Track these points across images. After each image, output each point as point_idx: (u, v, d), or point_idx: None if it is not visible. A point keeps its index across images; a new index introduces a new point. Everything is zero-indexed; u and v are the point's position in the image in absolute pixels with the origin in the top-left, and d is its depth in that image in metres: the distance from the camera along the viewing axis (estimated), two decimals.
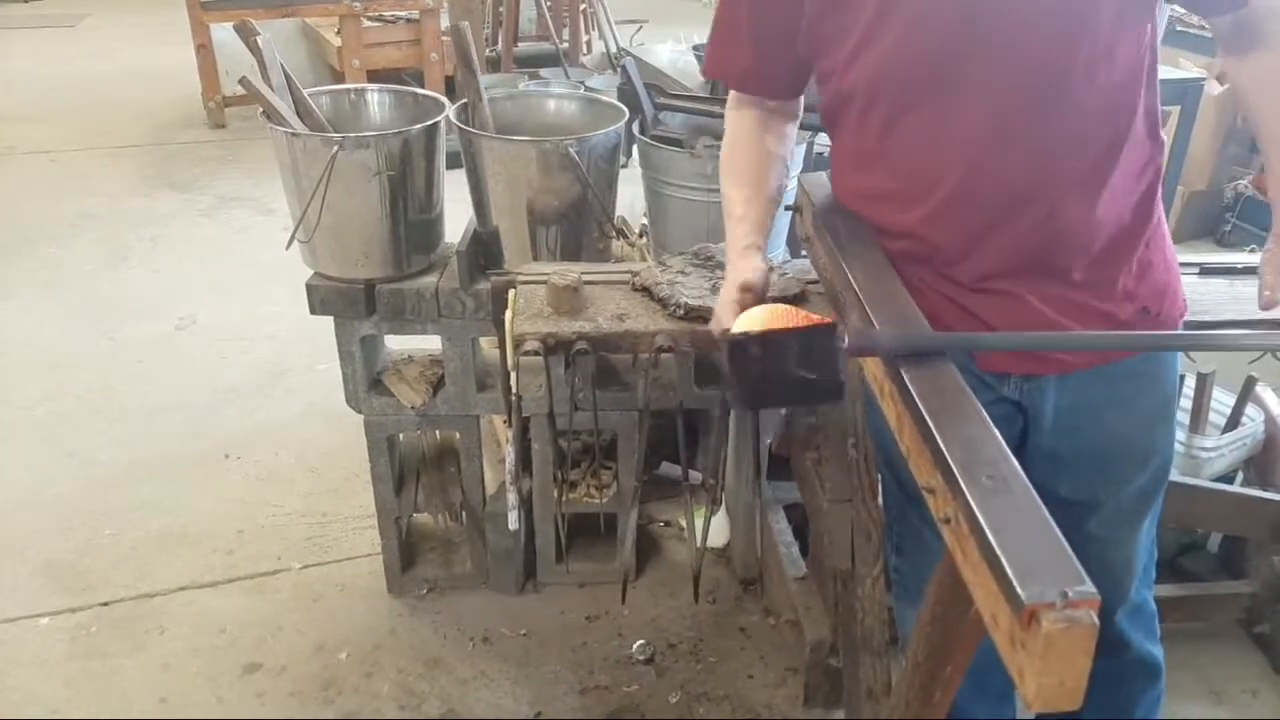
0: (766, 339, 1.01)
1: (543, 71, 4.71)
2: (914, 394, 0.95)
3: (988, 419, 0.91)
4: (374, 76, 4.81)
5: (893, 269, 1.22)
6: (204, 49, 5.15)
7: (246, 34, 1.83)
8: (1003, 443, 0.88)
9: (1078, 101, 1.12)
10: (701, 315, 1.57)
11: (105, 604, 2.20)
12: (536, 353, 1.52)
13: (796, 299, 1.54)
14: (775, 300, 1.27)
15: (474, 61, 1.86)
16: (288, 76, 1.88)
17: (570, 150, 1.79)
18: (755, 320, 1.06)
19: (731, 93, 1.38)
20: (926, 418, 0.93)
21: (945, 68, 1.13)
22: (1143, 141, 1.19)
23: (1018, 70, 1.11)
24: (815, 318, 1.03)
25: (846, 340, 1.01)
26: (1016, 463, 0.86)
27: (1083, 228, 1.17)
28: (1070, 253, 1.19)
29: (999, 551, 0.76)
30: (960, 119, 1.14)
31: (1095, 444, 1.31)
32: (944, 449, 0.87)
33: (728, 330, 1.10)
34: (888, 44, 1.15)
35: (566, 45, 5.41)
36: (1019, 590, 0.72)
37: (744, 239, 1.29)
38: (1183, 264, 1.54)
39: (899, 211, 1.24)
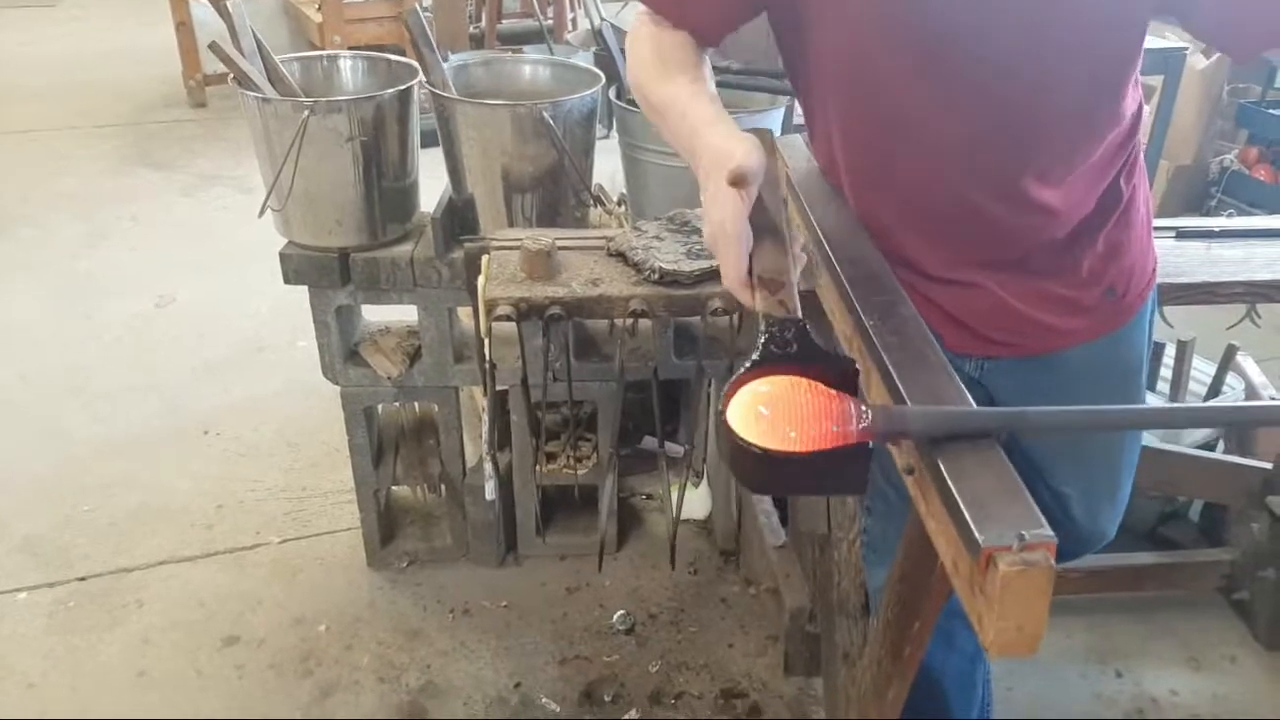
0: (783, 461, 0.78)
1: (527, 48, 4.67)
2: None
3: (951, 370, 0.91)
4: None
5: (867, 235, 1.20)
6: (184, 26, 5.09)
7: None
8: (966, 392, 0.87)
9: (1059, 120, 1.07)
10: (677, 280, 1.56)
11: (83, 579, 2.19)
12: (509, 318, 1.50)
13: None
14: (766, 281, 0.97)
15: (431, 42, 1.85)
16: (259, 43, 1.85)
17: (545, 115, 1.77)
18: (762, 395, 0.81)
19: (646, 15, 1.16)
20: (891, 369, 0.92)
21: (912, 81, 1.05)
22: (1121, 135, 1.15)
23: (993, 90, 1.04)
24: (832, 393, 0.80)
25: (871, 420, 0.79)
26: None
27: (1050, 223, 1.14)
28: (1033, 245, 1.16)
29: (958, 497, 0.75)
30: (927, 125, 1.08)
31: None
32: (906, 398, 0.86)
33: (729, 410, 0.81)
34: (853, 50, 1.06)
35: (550, 22, 5.35)
36: (976, 534, 0.71)
37: (708, 109, 1.02)
38: (1160, 227, 1.53)
39: (856, 199, 1.20)
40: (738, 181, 0.92)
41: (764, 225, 0.98)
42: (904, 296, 1.05)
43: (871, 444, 0.78)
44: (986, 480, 0.78)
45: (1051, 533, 0.72)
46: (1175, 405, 1.28)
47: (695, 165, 1.01)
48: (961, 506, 0.75)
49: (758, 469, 0.78)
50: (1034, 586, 0.70)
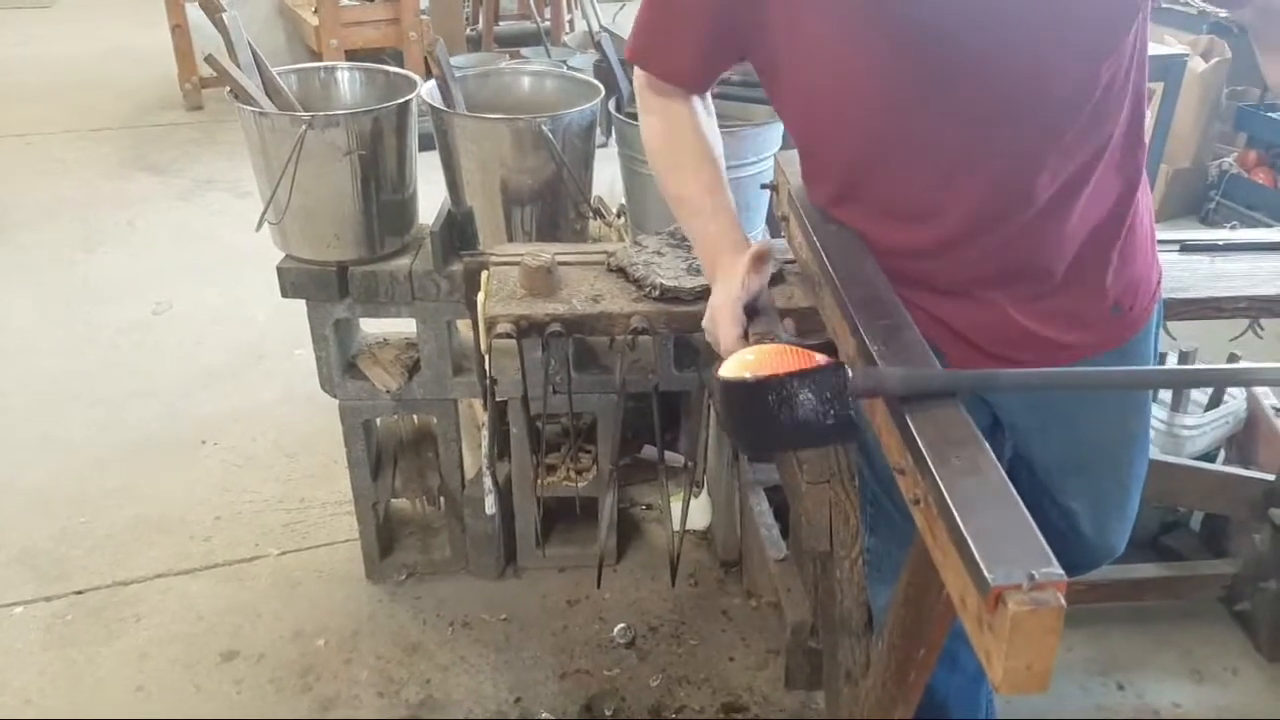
0: (766, 384, 0.89)
1: (524, 51, 4.66)
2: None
3: (959, 403, 0.90)
4: (352, 56, 4.73)
5: (870, 254, 1.19)
6: (179, 29, 5.07)
7: (211, 10, 1.79)
8: (973, 425, 0.86)
9: (1057, 120, 1.06)
10: (677, 296, 1.55)
11: (80, 592, 2.17)
12: (509, 335, 1.50)
13: (774, 279, 1.52)
14: (760, 335, 1.11)
15: (454, 74, 1.88)
16: (256, 55, 1.84)
17: (544, 128, 1.76)
18: (748, 363, 0.93)
19: (643, 80, 1.24)
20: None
21: (915, 92, 1.04)
22: (1129, 141, 1.14)
23: (991, 91, 1.03)
24: (815, 355, 0.91)
25: (851, 378, 0.89)
26: (987, 445, 0.84)
27: (1061, 236, 1.13)
28: (1048, 259, 1.15)
29: (966, 533, 0.74)
30: (929, 140, 1.07)
31: (1068, 442, 1.29)
32: (914, 431, 0.86)
33: (721, 369, 0.96)
34: (857, 73, 1.06)
35: (548, 24, 5.34)
36: (985, 572, 0.70)
37: (731, 233, 1.19)
38: (1164, 241, 1.52)
39: (863, 223, 1.20)
40: (763, 256, 1.12)
41: (759, 310, 1.14)
42: (908, 320, 1.05)
43: (845, 366, 0.90)
44: (995, 514, 0.78)
45: (1061, 571, 0.71)
46: (1149, 368, 1.29)
47: (705, 268, 1.25)
48: (970, 542, 0.74)
49: (745, 403, 0.89)
50: (1044, 625, 0.70)
